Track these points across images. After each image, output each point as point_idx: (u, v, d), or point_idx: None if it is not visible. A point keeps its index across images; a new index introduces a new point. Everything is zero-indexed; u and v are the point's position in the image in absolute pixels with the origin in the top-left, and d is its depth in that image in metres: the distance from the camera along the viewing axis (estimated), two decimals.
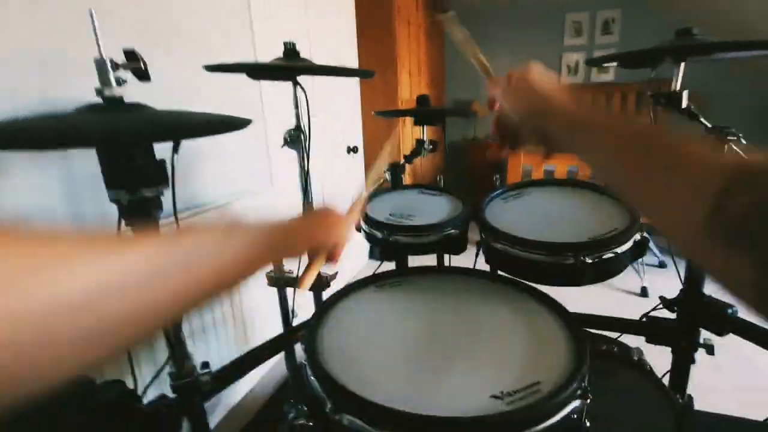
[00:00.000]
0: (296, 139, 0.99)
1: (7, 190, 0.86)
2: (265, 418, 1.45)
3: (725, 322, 0.97)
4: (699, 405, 1.40)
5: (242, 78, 0.95)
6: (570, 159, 2.58)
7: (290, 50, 0.86)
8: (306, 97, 0.89)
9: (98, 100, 0.62)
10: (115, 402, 0.72)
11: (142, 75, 0.63)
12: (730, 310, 0.96)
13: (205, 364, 0.80)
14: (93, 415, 0.64)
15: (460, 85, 4.22)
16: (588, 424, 0.54)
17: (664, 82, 0.98)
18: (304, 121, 0.95)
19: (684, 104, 0.96)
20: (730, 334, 0.98)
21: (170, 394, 0.80)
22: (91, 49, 0.61)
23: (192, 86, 1.26)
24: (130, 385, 0.75)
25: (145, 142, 0.60)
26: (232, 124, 0.58)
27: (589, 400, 0.53)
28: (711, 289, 0.97)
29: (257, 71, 0.86)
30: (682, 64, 0.96)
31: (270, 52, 0.93)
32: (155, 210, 0.65)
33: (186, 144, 1.37)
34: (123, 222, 0.66)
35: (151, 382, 0.81)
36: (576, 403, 0.52)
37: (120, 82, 0.62)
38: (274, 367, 1.73)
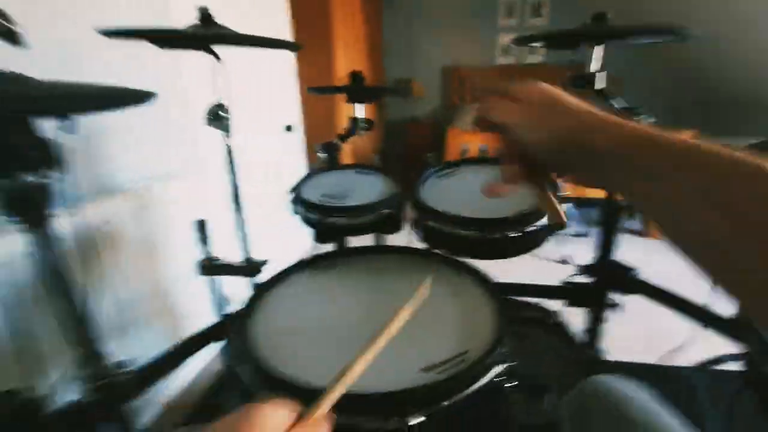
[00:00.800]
0: (220, 116, 0.91)
1: None
2: (203, 412, 1.39)
3: (629, 284, 1.09)
4: (610, 356, 1.58)
5: (157, 49, 0.84)
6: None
7: (204, 16, 0.78)
8: (225, 69, 0.82)
9: None
10: (13, 414, 0.64)
11: (13, 38, 0.53)
12: (632, 273, 1.08)
13: (122, 363, 0.73)
14: None
15: (398, 64, 4.19)
16: (509, 385, 0.58)
17: (584, 64, 1.05)
18: (226, 97, 0.88)
19: (598, 85, 1.03)
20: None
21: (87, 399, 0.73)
22: None
23: (92, 56, 1.10)
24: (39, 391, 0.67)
25: (22, 113, 0.51)
26: (131, 97, 0.51)
27: (510, 364, 0.57)
28: (619, 255, 1.08)
29: (164, 39, 0.77)
30: (597, 48, 1.03)
31: (189, 19, 0.84)
32: (44, 197, 0.57)
33: (93, 123, 1.20)
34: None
35: (57, 388, 0.73)
36: (499, 367, 0.55)
37: None
38: (213, 358, 1.65)
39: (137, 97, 0.52)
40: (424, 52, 4.15)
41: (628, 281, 1.10)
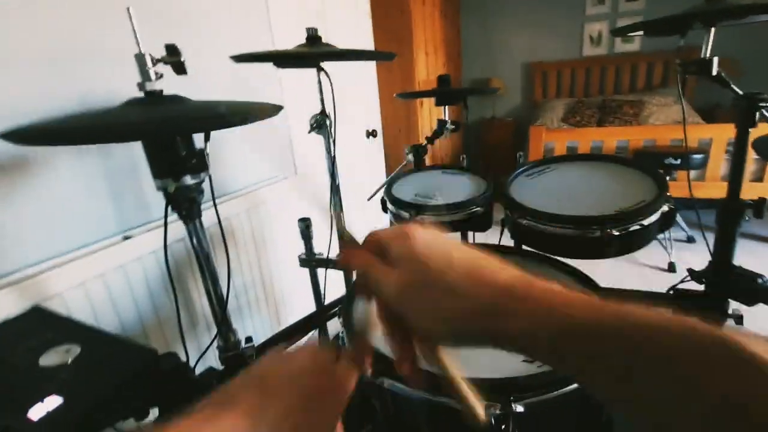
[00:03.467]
0: (322, 124, 1.01)
1: (53, 180, 0.92)
2: None
3: (754, 292, 0.96)
4: None
5: (259, 66, 0.97)
6: (593, 134, 2.53)
7: (312, 36, 0.88)
8: (330, 82, 0.91)
9: (136, 93, 0.66)
10: (171, 371, 0.79)
11: (180, 69, 0.66)
12: (760, 280, 0.96)
13: (249, 339, 0.86)
14: (155, 382, 0.70)
15: (477, 63, 4.13)
16: None
17: (693, 49, 0.96)
18: (329, 106, 0.97)
19: (714, 71, 0.93)
20: (760, 304, 0.98)
21: (217, 367, 0.87)
22: (124, 43, 0.64)
23: (214, 76, 1.29)
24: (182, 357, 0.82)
25: (190, 132, 0.64)
26: (266, 111, 0.61)
27: None
28: (740, 260, 0.96)
29: (282, 59, 0.89)
30: (712, 30, 0.93)
31: (287, 39, 0.95)
32: (198, 195, 0.70)
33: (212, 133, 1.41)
34: (170, 208, 0.71)
35: (203, 354, 0.88)
36: None
37: (158, 75, 0.66)
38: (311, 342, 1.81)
39: (270, 111, 0.62)
40: (504, 48, 4.03)
41: (753, 289, 0.98)
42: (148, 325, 1.09)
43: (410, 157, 1.17)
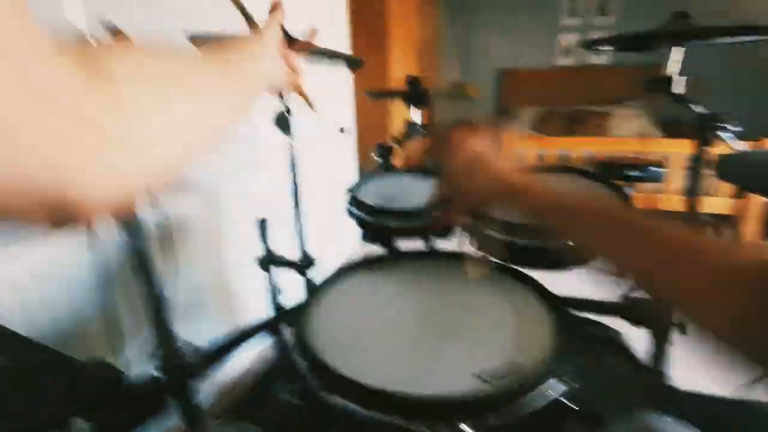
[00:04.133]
0: (284, 119, 0.97)
1: None
2: (256, 396, 1.47)
3: None
4: (677, 381, 1.45)
5: None
6: (561, 143, 2.59)
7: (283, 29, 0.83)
8: None
9: None
10: (99, 380, 0.72)
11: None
12: None
13: (192, 344, 0.80)
14: (78, 393, 0.64)
15: (452, 67, 4.15)
16: (566, 401, 0.55)
17: (660, 66, 0.98)
18: (291, 102, 0.93)
19: (675, 89, 0.95)
20: None
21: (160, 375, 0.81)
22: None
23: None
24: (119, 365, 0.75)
25: None
26: None
27: (567, 379, 0.54)
28: None
29: None
30: (676, 49, 0.95)
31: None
32: None
33: None
34: None
35: (136, 361, 0.81)
36: (554, 381, 0.53)
37: None
38: (264, 349, 1.74)
39: None
40: (480, 54, 4.07)
41: None
42: (83, 331, 1.00)
43: (377, 158, 1.14)
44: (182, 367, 0.77)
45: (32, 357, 0.64)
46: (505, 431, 0.49)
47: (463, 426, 0.48)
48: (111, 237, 1.03)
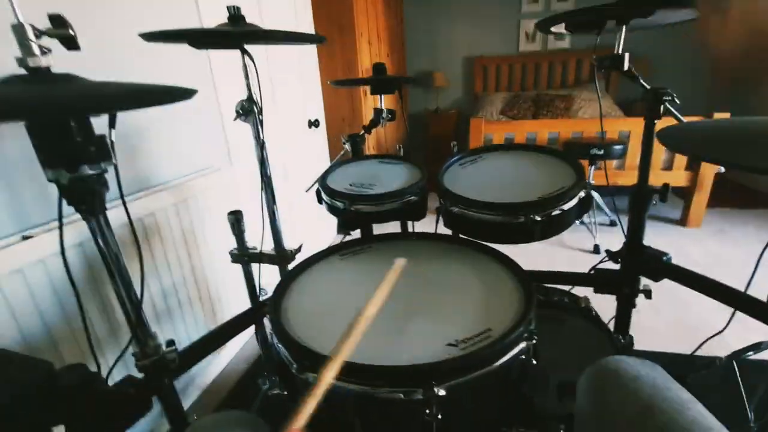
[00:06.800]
0: (249, 111, 0.96)
1: None
2: (240, 394, 1.47)
3: (660, 269, 1.06)
4: (640, 344, 1.55)
5: (189, 49, 0.90)
6: (528, 126, 2.66)
7: (235, 15, 0.82)
8: (255, 66, 0.86)
9: (19, 71, 0.57)
10: (77, 386, 0.71)
11: (71, 43, 0.58)
12: (664, 258, 1.06)
13: (171, 342, 0.79)
14: (55, 397, 0.63)
15: (421, 56, 4.17)
16: (535, 361, 0.59)
17: (611, 48, 1.03)
18: (255, 92, 0.92)
19: (626, 66, 1.00)
20: (666, 280, 1.09)
21: (138, 375, 0.80)
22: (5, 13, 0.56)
23: (129, 56, 1.18)
24: (93, 368, 0.74)
25: (81, 113, 0.56)
26: (174, 94, 0.55)
27: (534, 341, 0.58)
28: (649, 240, 1.06)
29: (200, 39, 0.81)
30: (624, 28, 1.00)
31: (217, 18, 0.88)
32: (101, 188, 0.62)
33: (130, 120, 1.28)
34: (65, 203, 0.62)
35: (115, 363, 0.80)
36: (522, 345, 0.57)
37: (44, 51, 0.58)
38: (246, 345, 1.74)
39: (179, 94, 0.57)
40: (446, 42, 4.11)
41: (659, 266, 1.08)
42: (57, 335, 0.97)
43: (347, 146, 1.15)
44: (162, 366, 0.76)
45: (3, 365, 0.62)
46: (475, 392, 0.52)
47: (437, 390, 0.50)
48: (88, 237, 1.00)
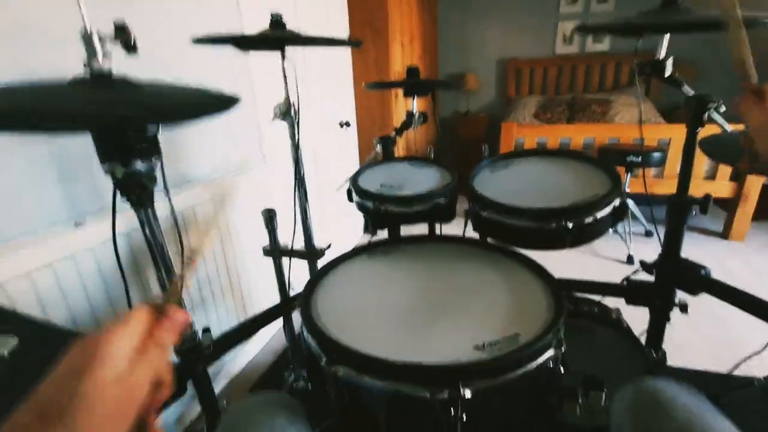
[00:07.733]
0: (286, 112, 0.99)
1: None
2: (266, 384, 1.51)
3: (698, 282, 1.02)
4: (673, 360, 1.49)
5: (230, 50, 0.95)
6: (562, 131, 2.59)
7: (276, 21, 0.86)
8: (294, 69, 0.89)
9: (79, 70, 0.62)
10: None
11: (131, 48, 0.63)
12: (703, 271, 1.02)
13: (207, 329, 0.84)
14: None
15: (453, 58, 4.15)
16: (563, 370, 0.59)
17: (653, 52, 1.00)
18: (293, 94, 0.96)
19: (667, 73, 0.97)
20: (703, 294, 1.04)
21: (174, 360, 0.85)
22: (72, 21, 0.61)
23: (176, 58, 1.24)
24: None
25: (141, 123, 0.61)
26: (223, 103, 0.59)
27: (563, 349, 0.58)
28: (687, 252, 1.02)
29: (244, 43, 0.86)
30: (667, 35, 0.97)
31: (257, 24, 0.92)
32: (150, 182, 0.67)
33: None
34: (119, 194, 0.67)
35: None
36: (551, 352, 0.57)
37: (107, 55, 0.63)
38: (273, 337, 1.79)
39: (227, 103, 0.60)
40: (480, 44, 4.07)
41: (697, 279, 1.04)
42: (101, 319, 1.04)
43: (379, 148, 1.17)
44: (198, 351, 0.81)
45: (54, 340, 0.67)
46: (501, 396, 0.53)
47: (462, 390, 0.51)
48: (134, 227, 1.07)
